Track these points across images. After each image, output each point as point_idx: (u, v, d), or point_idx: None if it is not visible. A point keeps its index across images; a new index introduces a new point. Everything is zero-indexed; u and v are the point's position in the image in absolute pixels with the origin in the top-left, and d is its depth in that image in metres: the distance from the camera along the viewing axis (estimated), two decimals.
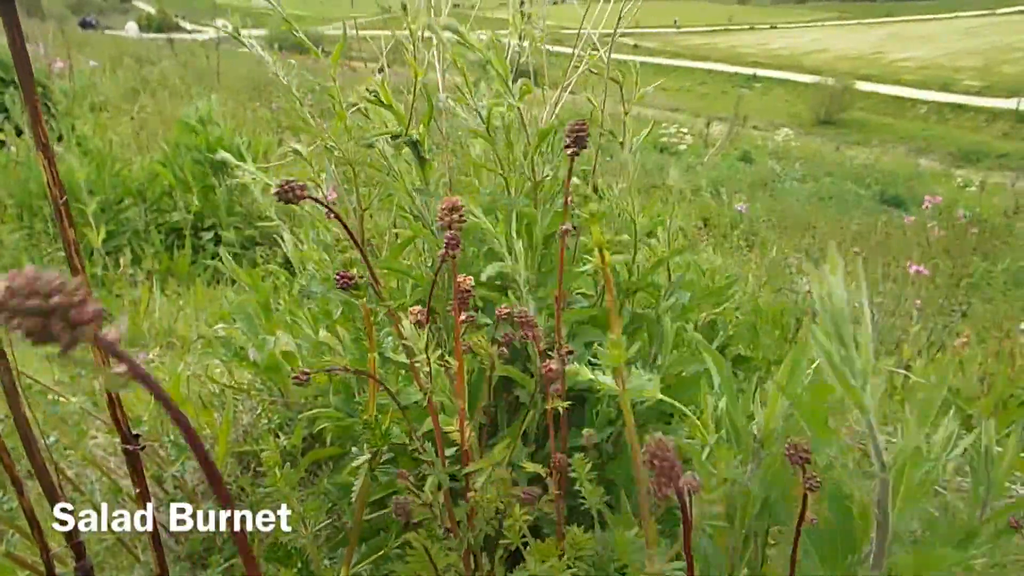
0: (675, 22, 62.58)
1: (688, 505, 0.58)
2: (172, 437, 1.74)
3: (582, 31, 1.25)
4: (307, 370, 0.85)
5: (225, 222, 4.02)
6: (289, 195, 0.65)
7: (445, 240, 0.70)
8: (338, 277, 0.78)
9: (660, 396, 0.73)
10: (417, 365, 0.87)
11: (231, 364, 1.79)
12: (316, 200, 0.66)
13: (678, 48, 49.86)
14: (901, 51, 44.45)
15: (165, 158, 4.26)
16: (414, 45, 1.02)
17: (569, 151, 0.81)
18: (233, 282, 3.51)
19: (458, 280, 0.82)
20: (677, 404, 0.80)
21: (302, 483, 1.75)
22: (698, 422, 0.76)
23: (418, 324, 0.86)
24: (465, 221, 0.69)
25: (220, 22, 1.22)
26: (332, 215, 0.72)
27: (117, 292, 3.07)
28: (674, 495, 0.53)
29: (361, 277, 0.80)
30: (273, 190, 0.68)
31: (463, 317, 0.85)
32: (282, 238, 1.48)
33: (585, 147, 0.82)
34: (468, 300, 0.86)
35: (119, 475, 1.85)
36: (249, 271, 1.77)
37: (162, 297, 3.23)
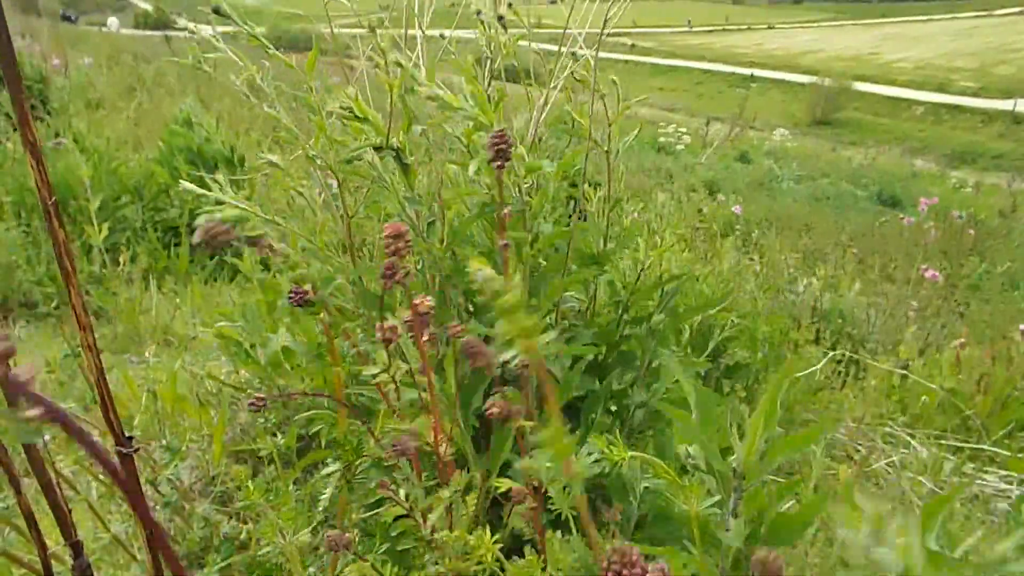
0: (688, 22, 62.60)
1: None
2: (166, 439, 1.73)
3: (568, 31, 1.24)
4: (263, 396, 0.84)
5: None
6: (213, 241, 0.63)
7: (383, 270, 0.68)
8: (291, 294, 0.77)
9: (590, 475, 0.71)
10: (383, 383, 0.85)
11: (234, 362, 1.78)
12: (249, 242, 0.65)
13: (675, 48, 49.89)
14: (897, 51, 44.52)
15: (161, 156, 4.24)
16: (385, 60, 0.99)
17: (494, 164, 0.79)
18: (231, 280, 3.50)
19: (415, 303, 0.80)
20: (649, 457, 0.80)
21: (298, 483, 1.75)
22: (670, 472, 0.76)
23: (386, 341, 0.85)
24: (410, 248, 0.68)
25: (183, 23, 1.20)
26: (270, 251, 0.71)
27: (114, 290, 3.05)
28: None
29: (315, 292, 0.79)
30: (195, 238, 0.64)
31: (425, 337, 0.83)
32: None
33: (508, 159, 0.79)
34: (427, 322, 0.83)
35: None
36: (259, 270, 1.77)
37: (159, 295, 3.22)
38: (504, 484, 0.82)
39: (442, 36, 1.28)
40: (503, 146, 0.75)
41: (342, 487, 0.93)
